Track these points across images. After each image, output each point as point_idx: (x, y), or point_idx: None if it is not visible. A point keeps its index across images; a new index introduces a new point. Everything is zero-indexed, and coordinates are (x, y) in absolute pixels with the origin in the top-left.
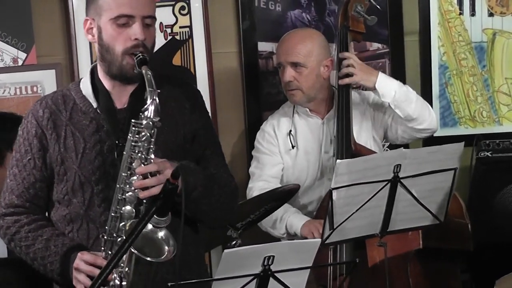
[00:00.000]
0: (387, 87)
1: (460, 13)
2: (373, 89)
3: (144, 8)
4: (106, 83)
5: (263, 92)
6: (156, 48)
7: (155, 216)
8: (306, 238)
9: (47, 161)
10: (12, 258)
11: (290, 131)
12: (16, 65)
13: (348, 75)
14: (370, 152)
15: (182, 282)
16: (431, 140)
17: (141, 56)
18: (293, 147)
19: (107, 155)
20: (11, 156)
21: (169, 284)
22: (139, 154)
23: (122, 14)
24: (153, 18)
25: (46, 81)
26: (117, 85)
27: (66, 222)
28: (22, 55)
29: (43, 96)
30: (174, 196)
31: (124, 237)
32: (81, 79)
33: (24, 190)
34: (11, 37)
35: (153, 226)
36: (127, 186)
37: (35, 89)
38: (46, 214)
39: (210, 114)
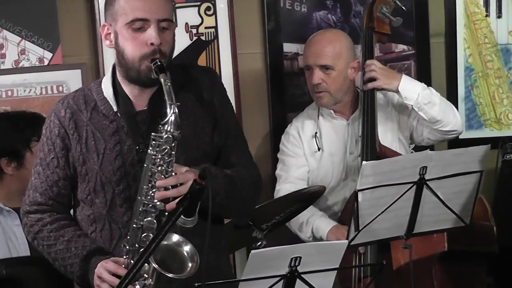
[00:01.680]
0: (410, 90)
1: (486, 15)
2: (396, 91)
3: (159, 11)
4: (125, 87)
5: (288, 93)
6: (181, 49)
7: (182, 216)
8: None
9: (70, 160)
10: (34, 257)
11: (316, 133)
12: (42, 64)
13: (371, 79)
14: (395, 153)
15: (208, 283)
16: (456, 143)
17: (158, 63)
18: (319, 149)
19: (127, 155)
20: (31, 156)
21: (196, 284)
22: (160, 167)
23: (137, 18)
24: (170, 21)
25: (72, 81)
26: (137, 89)
27: (90, 222)
28: (48, 54)
29: (65, 95)
30: (201, 196)
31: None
32: (102, 78)
33: (47, 188)
34: (37, 36)
35: (180, 226)
36: (149, 198)
37: (60, 89)
38: (71, 212)
39: (233, 109)
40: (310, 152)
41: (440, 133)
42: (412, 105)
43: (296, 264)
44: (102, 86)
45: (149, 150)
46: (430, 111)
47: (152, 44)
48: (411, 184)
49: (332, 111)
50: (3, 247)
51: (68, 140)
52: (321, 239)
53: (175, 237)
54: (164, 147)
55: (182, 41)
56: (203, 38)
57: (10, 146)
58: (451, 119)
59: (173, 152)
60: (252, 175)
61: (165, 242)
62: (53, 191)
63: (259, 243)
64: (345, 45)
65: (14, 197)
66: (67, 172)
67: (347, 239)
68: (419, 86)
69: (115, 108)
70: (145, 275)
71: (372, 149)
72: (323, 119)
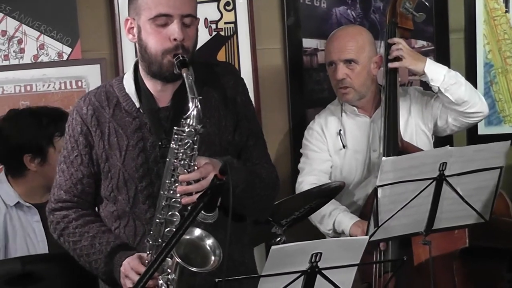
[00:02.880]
0: (436, 71)
1: (506, 11)
2: (422, 73)
3: (182, 7)
4: (148, 82)
5: (307, 89)
6: (200, 44)
7: (202, 211)
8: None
9: (93, 158)
10: (54, 253)
11: (340, 130)
12: (61, 59)
13: (397, 59)
14: (417, 149)
15: (229, 278)
16: (475, 139)
17: (180, 58)
18: (344, 146)
19: (150, 152)
20: (54, 152)
21: (216, 280)
22: (182, 162)
23: (160, 13)
24: (193, 17)
25: (91, 76)
26: (159, 84)
27: (114, 218)
28: (67, 49)
29: (87, 92)
30: (222, 191)
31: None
32: (124, 74)
33: (72, 185)
34: (56, 31)
35: (200, 221)
36: (171, 192)
37: (79, 84)
38: (96, 209)
39: (254, 111)
40: (335, 149)
41: (466, 116)
42: (438, 87)
43: (317, 260)
44: (124, 83)
45: (171, 144)
46: (457, 91)
47: (175, 39)
48: (431, 180)
49: (355, 109)
50: (21, 244)
51: (91, 137)
52: (342, 233)
53: (198, 231)
54: (186, 141)
55: (201, 37)
56: (222, 33)
57: (33, 142)
58: (477, 100)
59: (195, 146)
60: (270, 177)
61: (188, 237)
62: (77, 188)
63: (278, 238)
64: (367, 40)
65: (35, 193)
66: (91, 170)
67: (366, 234)
68: (444, 68)
69: (137, 105)
70: (168, 270)
71: (394, 144)
72: (347, 116)
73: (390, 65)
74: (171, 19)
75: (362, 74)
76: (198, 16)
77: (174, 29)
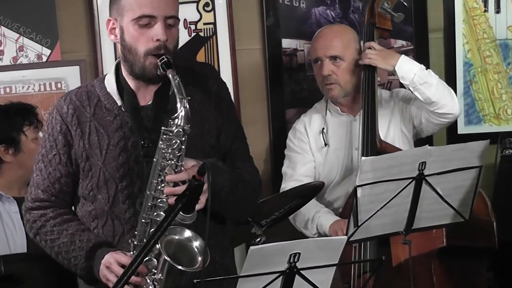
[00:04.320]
0: (407, 70)
1: (485, 10)
2: (393, 71)
3: (166, 8)
4: (130, 82)
5: (286, 89)
6: (180, 45)
7: (181, 212)
8: None
9: (72, 157)
10: (33, 253)
11: (323, 129)
12: (40, 61)
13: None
14: (396, 149)
15: (207, 279)
16: (455, 138)
17: (165, 59)
18: (325, 144)
19: (131, 151)
20: (26, 140)
21: (195, 281)
22: (170, 162)
23: (144, 14)
24: (176, 18)
25: (70, 78)
26: (141, 85)
27: (91, 218)
28: (46, 51)
29: (68, 91)
30: (200, 192)
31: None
32: (105, 75)
33: (49, 185)
34: (35, 33)
35: (179, 222)
36: (158, 193)
37: (59, 85)
38: (72, 208)
39: (236, 114)
40: (317, 147)
41: (436, 116)
42: (408, 85)
43: (295, 260)
44: (106, 82)
45: (159, 144)
46: (425, 91)
47: (158, 40)
48: (410, 180)
49: (338, 108)
50: (0, 233)
51: (70, 136)
52: (325, 235)
53: (187, 233)
54: (174, 141)
55: (180, 37)
56: (201, 34)
57: (3, 133)
58: (448, 101)
59: (183, 147)
60: (254, 180)
61: (177, 237)
62: (55, 188)
63: (258, 239)
64: (352, 38)
65: (13, 186)
66: (69, 169)
67: (346, 234)
68: (417, 67)
69: (119, 103)
70: (153, 270)
71: (372, 144)
72: (331, 115)
73: (361, 61)
74: (154, 20)
75: (348, 70)
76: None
77: (158, 30)
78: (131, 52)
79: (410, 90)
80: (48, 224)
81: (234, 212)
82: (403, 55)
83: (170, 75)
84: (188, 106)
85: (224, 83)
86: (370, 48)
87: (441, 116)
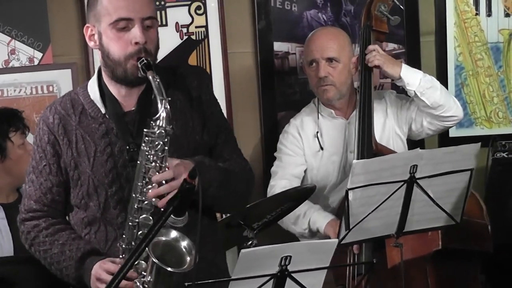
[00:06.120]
0: (412, 76)
1: (476, 14)
2: (398, 78)
3: (142, 9)
4: (112, 88)
5: (278, 92)
6: (172, 48)
7: (172, 216)
8: (328, 236)
9: (61, 166)
10: (23, 256)
11: (317, 132)
12: (32, 64)
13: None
14: (392, 152)
15: (198, 282)
16: (447, 141)
17: (145, 61)
18: (322, 148)
19: (118, 157)
20: (12, 146)
21: (186, 284)
22: (153, 163)
23: (120, 17)
24: (154, 19)
25: (62, 81)
26: (124, 89)
27: (84, 225)
28: (38, 54)
29: (52, 102)
30: (191, 195)
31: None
32: (88, 82)
33: (41, 195)
34: (27, 36)
35: (170, 226)
36: (143, 195)
37: (51, 88)
38: (66, 217)
39: (225, 114)
40: (311, 151)
41: (441, 119)
42: (414, 91)
43: (286, 263)
44: (88, 89)
45: (142, 146)
46: (433, 95)
47: (137, 43)
48: (402, 183)
49: (332, 111)
50: None
51: (58, 146)
52: (317, 231)
53: (173, 233)
54: (157, 142)
55: (172, 41)
56: (193, 37)
57: None
58: (452, 104)
59: (166, 148)
60: (244, 170)
61: (164, 238)
62: (47, 198)
63: (250, 242)
64: (346, 40)
65: (1, 192)
66: (60, 178)
67: (338, 237)
68: (420, 73)
69: (103, 110)
70: (143, 272)
71: (368, 147)
72: (323, 118)
73: (370, 64)
74: (132, 22)
75: (344, 72)
76: (168, 21)
77: (136, 33)
78: (110, 57)
79: (417, 96)
80: (41, 235)
81: (228, 205)
82: (403, 63)
83: (150, 77)
84: (169, 107)
85: (206, 77)
86: (374, 50)
87: (446, 119)
